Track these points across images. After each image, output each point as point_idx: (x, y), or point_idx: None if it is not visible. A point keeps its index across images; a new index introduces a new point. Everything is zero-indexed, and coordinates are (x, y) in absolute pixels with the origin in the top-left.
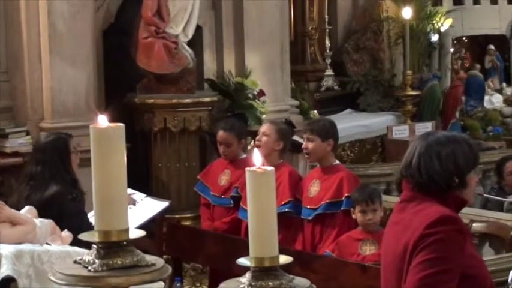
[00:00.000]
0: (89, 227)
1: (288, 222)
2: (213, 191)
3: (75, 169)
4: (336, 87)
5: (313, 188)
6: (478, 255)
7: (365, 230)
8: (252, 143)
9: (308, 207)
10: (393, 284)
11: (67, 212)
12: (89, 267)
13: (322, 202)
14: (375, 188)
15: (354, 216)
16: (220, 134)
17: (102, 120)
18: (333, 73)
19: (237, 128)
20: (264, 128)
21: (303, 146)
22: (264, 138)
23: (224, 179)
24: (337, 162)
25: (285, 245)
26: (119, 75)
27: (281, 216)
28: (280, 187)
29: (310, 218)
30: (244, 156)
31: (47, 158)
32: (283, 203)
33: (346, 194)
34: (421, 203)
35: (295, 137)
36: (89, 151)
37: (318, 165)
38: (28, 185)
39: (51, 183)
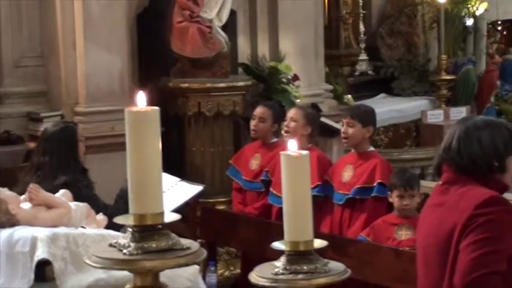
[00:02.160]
0: (106, 208)
1: (317, 206)
2: (244, 175)
3: (82, 158)
4: (370, 72)
5: (347, 173)
6: None
7: (401, 215)
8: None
9: (340, 192)
10: (434, 266)
11: (82, 197)
12: (124, 251)
13: (354, 187)
14: (414, 173)
15: (391, 200)
16: (259, 108)
17: (141, 97)
18: (367, 57)
19: (277, 109)
20: (291, 113)
21: (342, 130)
22: (292, 124)
23: (255, 163)
24: (372, 148)
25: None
26: (153, 59)
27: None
28: None
29: (341, 202)
30: (275, 140)
31: (55, 148)
32: (311, 186)
33: (378, 181)
34: (465, 185)
35: (330, 122)
36: (123, 135)
37: (352, 151)
38: (35, 175)
39: (59, 174)
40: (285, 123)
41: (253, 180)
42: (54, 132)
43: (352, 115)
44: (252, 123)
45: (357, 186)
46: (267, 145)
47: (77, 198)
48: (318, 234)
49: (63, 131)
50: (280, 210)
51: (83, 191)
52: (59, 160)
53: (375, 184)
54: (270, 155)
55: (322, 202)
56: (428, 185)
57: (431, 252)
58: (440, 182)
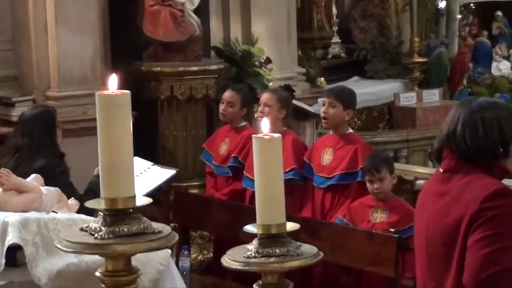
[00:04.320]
0: (80, 198)
1: (292, 189)
2: (214, 159)
3: (60, 143)
4: (342, 55)
5: (326, 156)
6: None
7: (375, 198)
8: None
9: (320, 175)
10: (439, 258)
11: (57, 184)
12: (96, 235)
13: (336, 172)
14: (386, 156)
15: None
16: (227, 92)
17: (113, 80)
18: (339, 40)
19: (245, 92)
20: (265, 98)
21: (322, 110)
22: (266, 109)
23: (224, 147)
24: (351, 130)
25: (290, 212)
26: (125, 43)
27: (285, 183)
28: (283, 154)
29: (322, 186)
30: (243, 124)
31: (34, 130)
32: (286, 170)
33: (361, 166)
34: (468, 174)
35: (302, 105)
36: (95, 119)
37: (330, 132)
38: (14, 157)
39: (38, 156)
40: (259, 109)
41: (222, 165)
42: (34, 115)
43: (336, 96)
44: (221, 107)
45: (340, 172)
46: (236, 129)
47: (52, 182)
48: (290, 217)
49: (43, 114)
50: (254, 194)
51: (59, 177)
52: (39, 143)
53: (358, 169)
54: (237, 139)
55: (303, 186)
56: (400, 167)
57: (436, 244)
58: (440, 169)
